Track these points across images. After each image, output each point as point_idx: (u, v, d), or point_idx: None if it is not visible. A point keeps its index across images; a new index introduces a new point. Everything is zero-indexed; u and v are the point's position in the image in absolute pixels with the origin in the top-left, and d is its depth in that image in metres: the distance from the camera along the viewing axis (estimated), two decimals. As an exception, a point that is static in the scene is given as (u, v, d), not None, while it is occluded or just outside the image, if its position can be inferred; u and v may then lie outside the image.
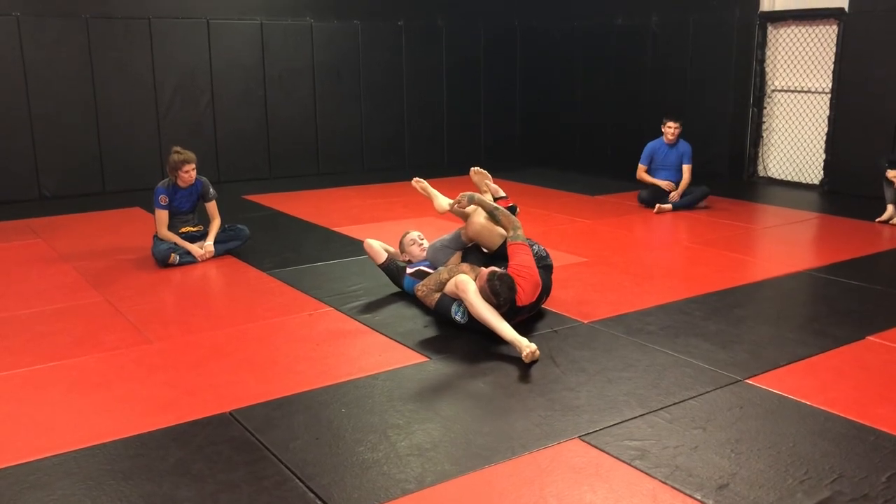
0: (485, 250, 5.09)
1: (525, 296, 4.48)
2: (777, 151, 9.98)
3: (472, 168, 5.43)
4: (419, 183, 5.45)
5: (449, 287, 4.54)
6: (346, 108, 10.93)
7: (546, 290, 4.80)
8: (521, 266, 4.55)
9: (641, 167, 8.46)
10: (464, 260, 5.04)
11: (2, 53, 8.62)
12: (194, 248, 6.19)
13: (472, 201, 4.92)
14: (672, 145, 8.35)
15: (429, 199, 5.42)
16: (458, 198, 4.98)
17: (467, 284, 4.38)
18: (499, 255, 4.92)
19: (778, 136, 9.94)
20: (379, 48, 11.03)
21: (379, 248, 5.37)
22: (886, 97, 8.54)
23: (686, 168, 8.36)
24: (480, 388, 3.86)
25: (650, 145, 8.46)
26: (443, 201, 5.29)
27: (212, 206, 6.41)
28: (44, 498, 2.90)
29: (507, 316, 4.38)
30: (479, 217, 4.96)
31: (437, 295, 4.65)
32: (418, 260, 5.29)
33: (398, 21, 11.14)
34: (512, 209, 5.14)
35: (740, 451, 3.21)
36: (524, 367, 4.06)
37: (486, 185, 5.39)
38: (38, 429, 3.44)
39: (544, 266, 4.87)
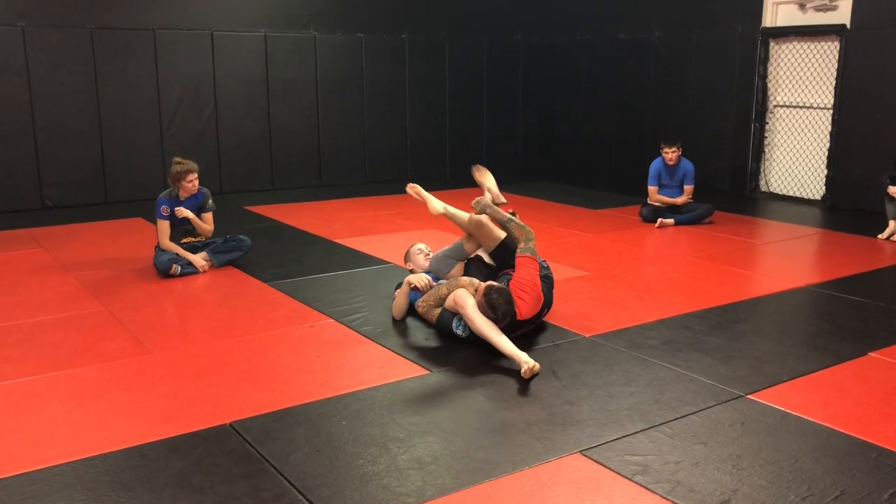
0: (487, 260, 5.06)
1: (526, 310, 4.47)
2: (779, 167, 9.99)
3: (475, 165, 5.39)
4: (413, 188, 5.41)
5: (448, 302, 4.53)
6: (349, 120, 10.97)
7: (547, 304, 4.79)
8: (525, 280, 4.54)
9: (652, 188, 8.44)
10: (466, 271, 5.03)
11: (6, 64, 8.66)
12: (196, 259, 6.19)
13: (483, 211, 4.92)
14: (674, 164, 8.36)
15: (424, 203, 5.34)
16: (472, 203, 4.97)
17: (466, 299, 4.37)
18: (502, 266, 4.91)
19: (780, 151, 9.96)
20: (382, 61, 11.08)
21: (401, 312, 5.06)
22: (888, 113, 8.56)
23: (687, 189, 8.37)
24: (481, 402, 3.85)
25: (654, 166, 8.45)
26: (437, 204, 5.25)
27: (207, 217, 6.40)
28: (42, 509, 2.89)
29: (508, 330, 4.38)
30: (482, 218, 4.96)
31: (438, 310, 4.64)
32: (421, 270, 5.30)
33: (401, 34, 11.19)
34: (513, 216, 5.11)
35: (742, 466, 3.20)
36: (525, 381, 4.05)
37: (488, 188, 5.34)
38: (38, 439, 3.43)
39: (544, 278, 4.85)
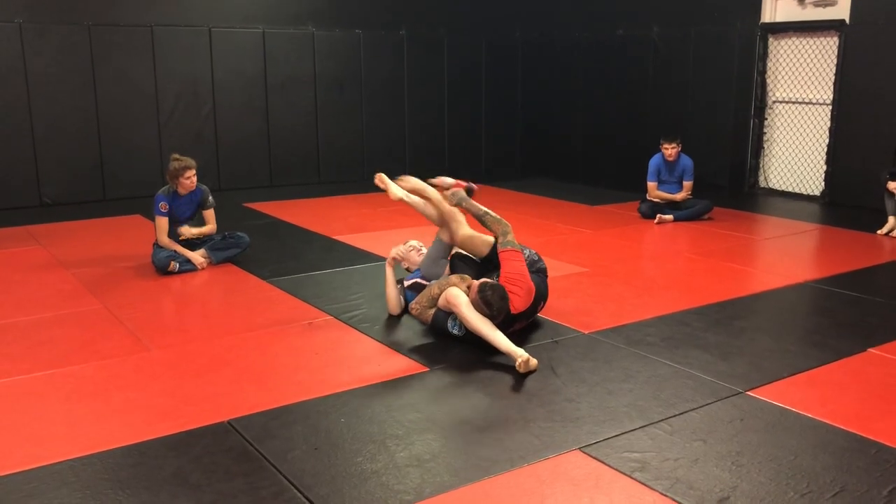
0: (474, 258, 5.02)
1: (519, 303, 4.45)
2: (778, 162, 9.98)
3: (400, 177, 5.24)
4: (379, 179, 5.25)
5: (441, 301, 4.52)
6: (348, 117, 10.95)
7: (542, 296, 4.77)
8: (514, 274, 4.51)
9: (651, 184, 8.44)
10: (452, 268, 4.98)
11: (4, 60, 8.64)
12: (194, 256, 6.18)
13: (458, 203, 4.83)
14: (674, 160, 8.36)
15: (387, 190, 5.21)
16: (448, 195, 4.90)
17: (458, 297, 4.36)
18: (490, 265, 4.83)
19: (779, 147, 9.94)
20: (381, 58, 11.06)
21: (397, 307, 5.08)
22: (887, 108, 8.55)
23: (686, 185, 8.37)
24: (480, 399, 3.84)
25: (654, 161, 8.45)
26: (396, 190, 5.13)
27: (209, 214, 6.40)
28: (40, 507, 2.88)
29: (504, 325, 4.37)
30: (464, 229, 4.88)
31: (432, 311, 4.63)
32: (417, 267, 5.29)
33: (400, 31, 11.17)
34: (469, 192, 5.03)
35: (741, 463, 3.19)
36: (524, 378, 4.05)
37: (424, 187, 5.10)
38: (35, 437, 3.42)
39: (537, 271, 4.82)
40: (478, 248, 4.88)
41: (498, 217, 4.76)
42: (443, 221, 5.01)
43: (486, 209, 4.80)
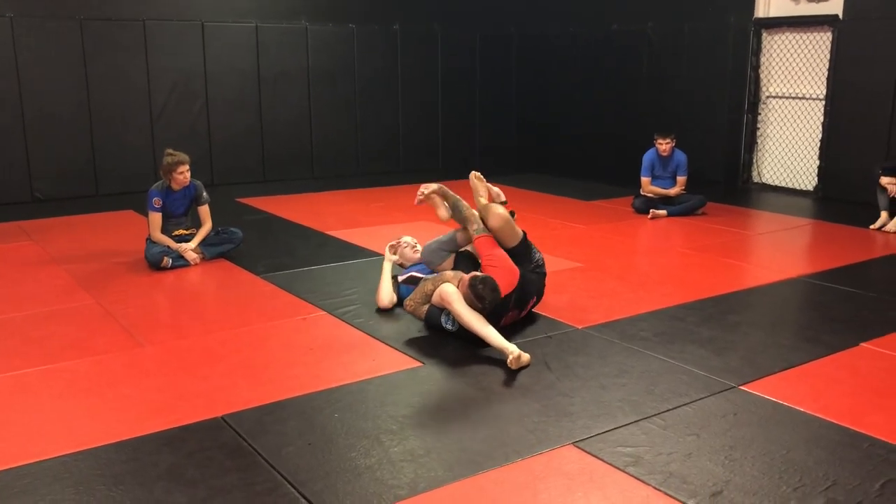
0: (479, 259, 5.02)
1: (504, 286, 4.46)
2: (771, 157, 10.00)
3: (473, 172, 5.32)
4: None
5: (434, 298, 4.52)
6: (341, 111, 10.93)
7: (538, 294, 4.84)
8: (494, 256, 4.59)
9: (645, 179, 8.44)
10: (456, 264, 4.99)
11: (-5, 55, 8.60)
12: (187, 252, 6.16)
13: (435, 191, 4.93)
14: (668, 155, 8.36)
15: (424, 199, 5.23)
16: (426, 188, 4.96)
17: (451, 294, 4.37)
18: (517, 258, 4.82)
19: (772, 142, 9.96)
20: (374, 52, 11.04)
21: (388, 301, 5.10)
22: (880, 104, 8.57)
23: (680, 180, 8.37)
24: (474, 394, 3.84)
25: (648, 157, 8.45)
26: (443, 212, 5.05)
27: (204, 210, 6.38)
28: (32, 503, 2.87)
29: (494, 316, 4.38)
30: (500, 209, 4.83)
31: (426, 307, 4.64)
32: (411, 263, 5.29)
33: (393, 25, 11.14)
34: (511, 215, 5.09)
35: (734, 457, 3.20)
36: (517, 373, 4.05)
37: (488, 188, 5.27)
38: (28, 433, 3.41)
39: (538, 273, 4.88)
40: (513, 235, 4.84)
41: (468, 206, 4.89)
42: (464, 223, 4.98)
43: (458, 197, 4.92)
